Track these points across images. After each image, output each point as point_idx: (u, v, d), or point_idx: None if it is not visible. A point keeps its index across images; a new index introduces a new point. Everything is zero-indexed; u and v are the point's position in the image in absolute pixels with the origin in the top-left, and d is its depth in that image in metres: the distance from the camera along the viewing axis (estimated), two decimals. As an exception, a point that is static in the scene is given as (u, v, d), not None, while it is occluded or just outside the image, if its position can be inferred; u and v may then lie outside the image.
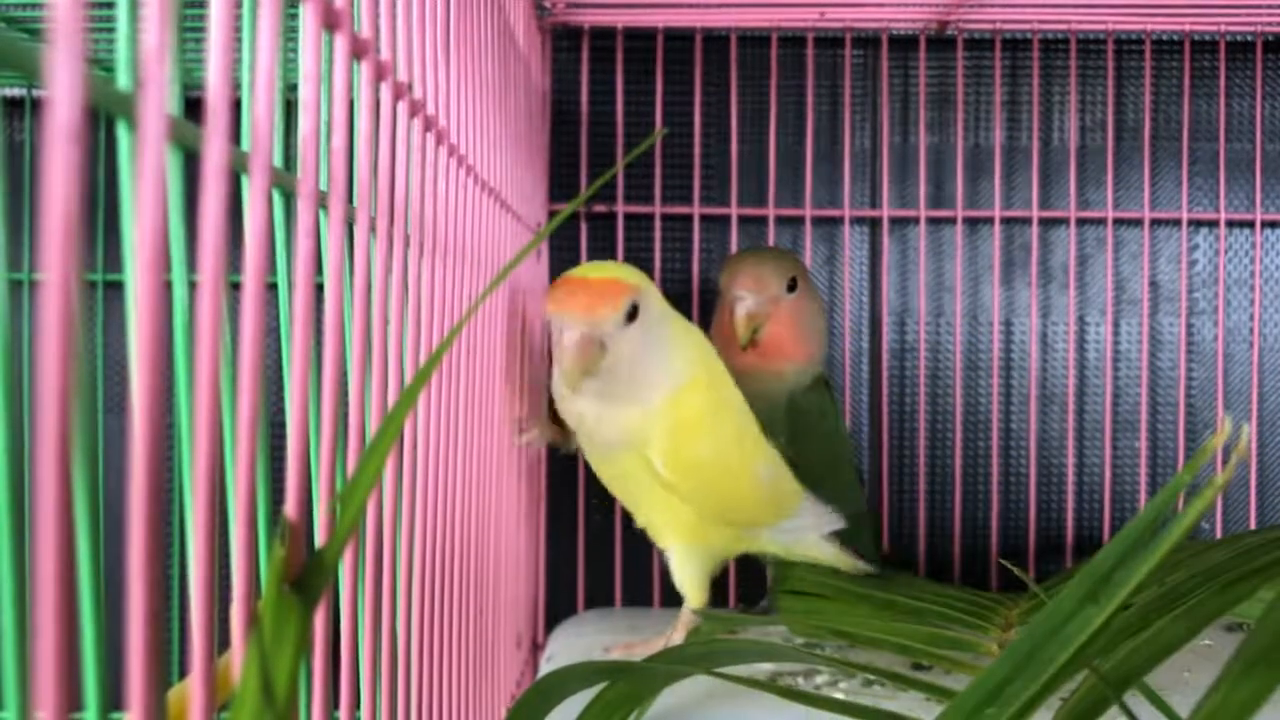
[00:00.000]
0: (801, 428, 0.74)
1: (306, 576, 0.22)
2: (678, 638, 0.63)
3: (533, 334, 0.70)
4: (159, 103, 0.18)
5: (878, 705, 0.52)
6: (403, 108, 0.34)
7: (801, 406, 0.74)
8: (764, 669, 0.59)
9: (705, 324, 0.75)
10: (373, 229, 0.31)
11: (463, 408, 0.46)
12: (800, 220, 0.87)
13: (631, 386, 0.58)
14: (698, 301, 0.87)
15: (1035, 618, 0.28)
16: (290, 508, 0.24)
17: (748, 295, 0.73)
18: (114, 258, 0.84)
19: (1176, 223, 0.88)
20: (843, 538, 0.77)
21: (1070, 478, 0.88)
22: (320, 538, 0.27)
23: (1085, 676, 0.30)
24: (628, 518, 0.67)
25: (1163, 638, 0.31)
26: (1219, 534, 0.88)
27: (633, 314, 0.57)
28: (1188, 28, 0.85)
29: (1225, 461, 0.88)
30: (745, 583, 0.85)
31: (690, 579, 0.63)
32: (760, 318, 0.73)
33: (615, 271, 0.59)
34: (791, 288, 0.74)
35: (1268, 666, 0.24)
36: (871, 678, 0.56)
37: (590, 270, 0.59)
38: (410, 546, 0.36)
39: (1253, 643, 0.24)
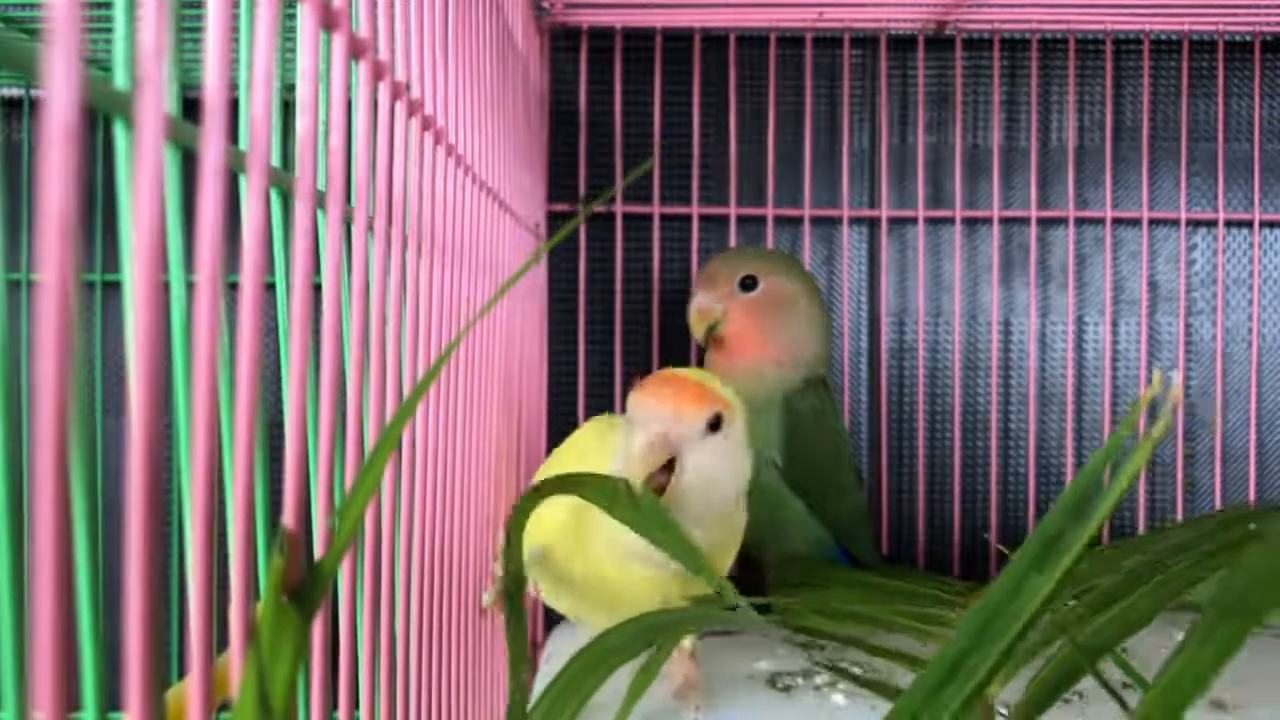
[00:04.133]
0: (798, 429, 0.74)
1: (304, 587, 0.22)
2: (688, 670, 0.57)
3: (529, 363, 0.69)
4: (157, 102, 0.18)
5: (877, 706, 0.52)
6: (401, 107, 0.34)
7: (797, 409, 0.74)
8: (762, 668, 0.59)
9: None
10: (370, 229, 0.31)
11: (460, 413, 0.46)
12: (799, 220, 0.87)
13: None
14: (696, 301, 0.87)
15: (986, 590, 0.28)
16: (288, 516, 0.24)
17: (698, 292, 0.75)
18: (112, 258, 0.84)
19: (1175, 223, 0.88)
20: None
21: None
22: (318, 538, 0.27)
23: (1059, 647, 0.31)
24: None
25: (1131, 612, 0.31)
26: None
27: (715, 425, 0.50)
28: (1186, 28, 0.85)
29: (1224, 449, 0.88)
30: (744, 583, 0.85)
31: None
32: (710, 315, 0.74)
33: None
34: (748, 286, 0.74)
35: (1230, 626, 0.24)
36: (872, 678, 0.56)
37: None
38: (409, 551, 0.36)
39: (1216, 605, 0.25)
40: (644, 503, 0.44)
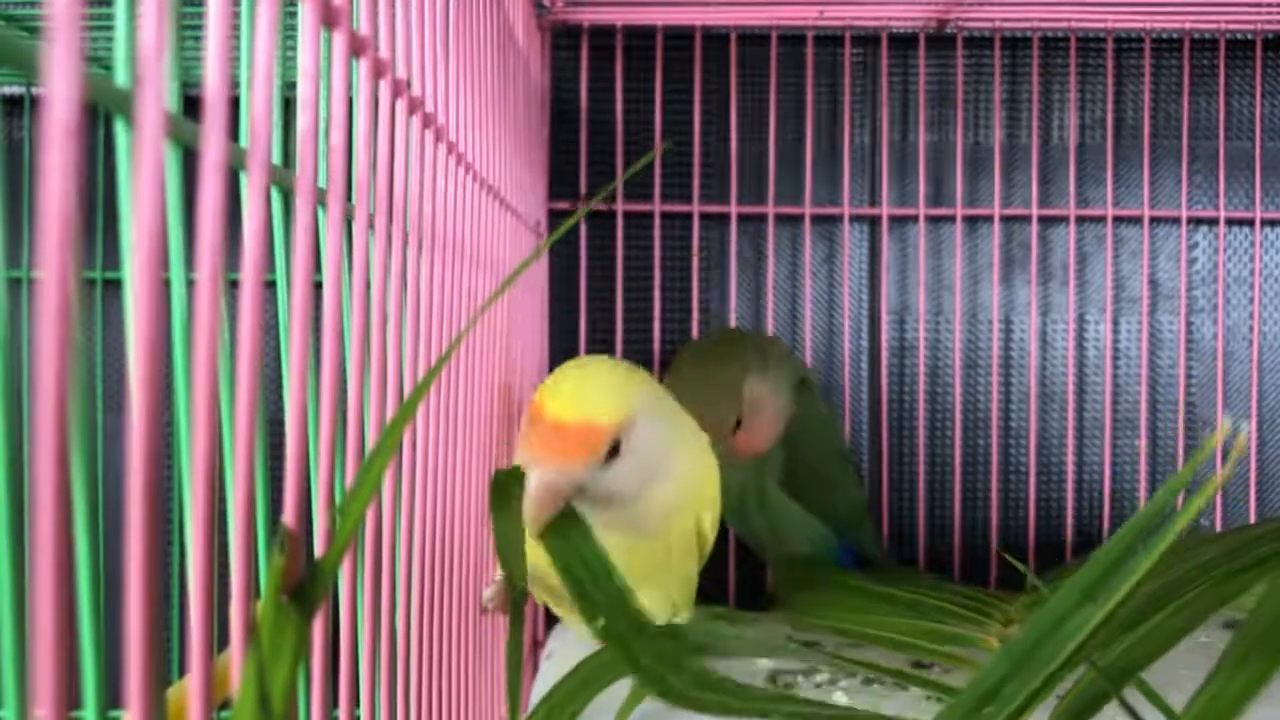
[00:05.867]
0: (793, 430, 0.73)
1: (305, 586, 0.22)
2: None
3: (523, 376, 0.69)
4: (157, 100, 0.18)
5: (878, 706, 0.52)
6: (401, 105, 0.34)
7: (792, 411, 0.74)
8: (762, 667, 0.59)
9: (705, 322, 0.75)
10: (371, 226, 0.31)
11: (461, 411, 0.46)
12: (800, 218, 0.87)
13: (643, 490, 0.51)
14: (697, 298, 0.87)
15: (1033, 616, 0.28)
16: (288, 514, 0.24)
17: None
18: (112, 255, 0.84)
19: (1176, 221, 0.88)
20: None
21: (1070, 476, 0.88)
22: (319, 536, 0.27)
23: (1084, 672, 0.30)
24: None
25: (1160, 632, 0.31)
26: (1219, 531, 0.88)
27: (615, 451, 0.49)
28: (1188, 26, 0.85)
29: (1225, 459, 0.88)
30: (744, 582, 0.85)
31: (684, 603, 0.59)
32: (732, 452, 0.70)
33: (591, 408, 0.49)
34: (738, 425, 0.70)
35: (1262, 656, 0.24)
36: (871, 676, 0.56)
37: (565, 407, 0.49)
38: (410, 550, 0.36)
39: (1247, 632, 0.24)
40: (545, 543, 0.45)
